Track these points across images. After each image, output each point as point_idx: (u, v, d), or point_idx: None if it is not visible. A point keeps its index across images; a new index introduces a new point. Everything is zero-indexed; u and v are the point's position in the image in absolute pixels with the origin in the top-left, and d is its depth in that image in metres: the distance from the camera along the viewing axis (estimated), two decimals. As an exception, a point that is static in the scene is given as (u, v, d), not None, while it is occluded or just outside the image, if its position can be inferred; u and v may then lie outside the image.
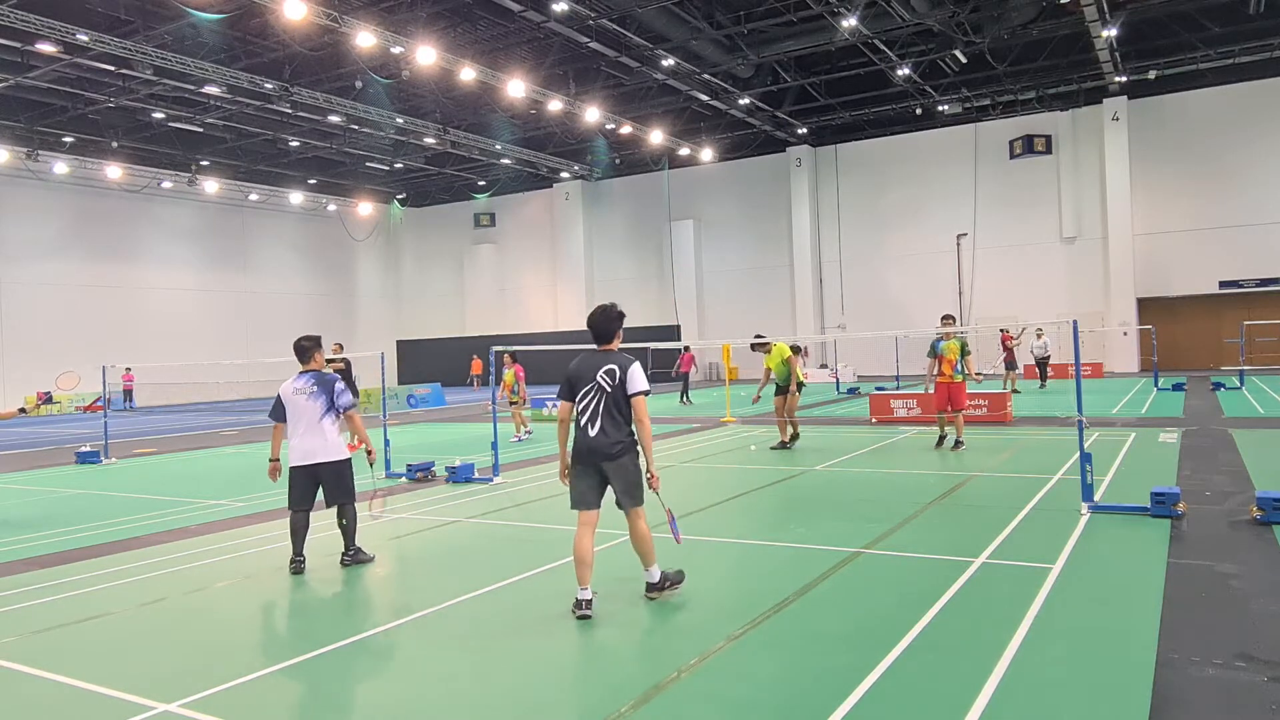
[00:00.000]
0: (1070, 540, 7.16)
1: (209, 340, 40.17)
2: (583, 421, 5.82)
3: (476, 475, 11.96)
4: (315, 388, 7.26)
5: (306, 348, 7.48)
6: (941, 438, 13.61)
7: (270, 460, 7.55)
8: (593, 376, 5.80)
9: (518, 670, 4.85)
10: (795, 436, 14.11)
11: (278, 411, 7.34)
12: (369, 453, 7.57)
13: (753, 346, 14.40)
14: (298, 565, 7.14)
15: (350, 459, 7.31)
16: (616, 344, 5.99)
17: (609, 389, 5.76)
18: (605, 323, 5.94)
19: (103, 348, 34.45)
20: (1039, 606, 5.49)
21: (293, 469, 7.21)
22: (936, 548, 7.13)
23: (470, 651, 5.18)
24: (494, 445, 12.15)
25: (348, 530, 7.30)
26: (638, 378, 5.78)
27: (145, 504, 11.04)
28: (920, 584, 6.10)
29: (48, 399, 34.87)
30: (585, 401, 5.81)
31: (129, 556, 8.02)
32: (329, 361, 16.39)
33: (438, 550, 7.90)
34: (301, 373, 7.37)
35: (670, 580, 6.06)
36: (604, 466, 5.76)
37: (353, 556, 7.29)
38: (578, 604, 5.67)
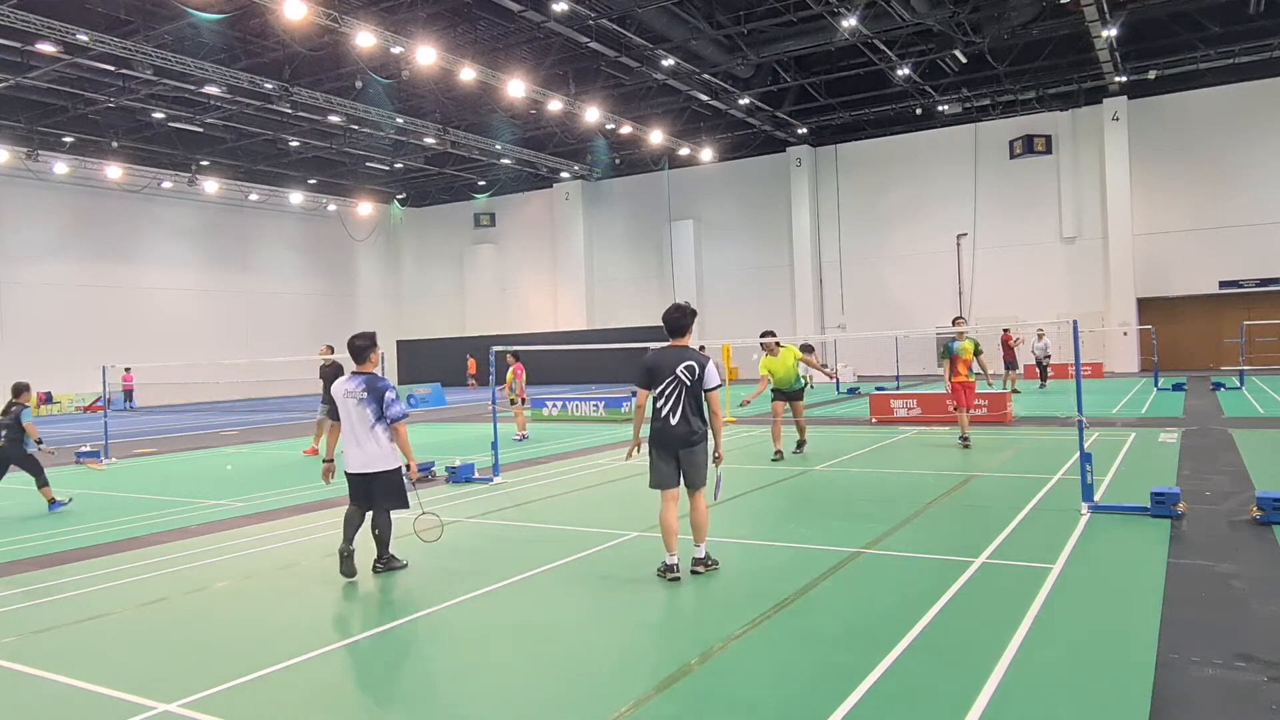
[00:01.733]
0: (1070, 540, 7.16)
1: (209, 340, 40.15)
2: (664, 412, 6.44)
3: (476, 475, 11.96)
4: (366, 393, 6.79)
5: (362, 347, 7.00)
6: (963, 437, 13.38)
7: (324, 460, 7.23)
8: (672, 370, 6.41)
9: (518, 670, 4.85)
10: (802, 443, 13.51)
11: (333, 411, 6.99)
12: (408, 468, 7.06)
13: (762, 335, 13.27)
14: (345, 557, 6.76)
15: (400, 468, 6.96)
16: (689, 339, 6.64)
17: (689, 383, 6.40)
18: (680, 318, 6.60)
19: (103, 348, 34.41)
20: (1039, 606, 5.49)
21: (347, 474, 6.90)
22: (936, 548, 7.13)
23: (471, 652, 5.18)
24: (494, 445, 12.16)
25: (380, 539, 6.95)
26: (714, 374, 6.49)
27: (145, 504, 11.04)
28: (920, 584, 6.10)
29: (48, 399, 34.93)
30: (666, 393, 6.43)
31: (129, 556, 8.02)
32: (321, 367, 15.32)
33: (437, 550, 7.90)
34: (354, 374, 6.96)
35: (713, 560, 6.67)
36: (680, 453, 6.44)
37: (385, 564, 6.99)
38: (667, 569, 6.46)
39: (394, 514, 7.05)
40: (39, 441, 10.64)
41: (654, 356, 6.50)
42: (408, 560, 7.12)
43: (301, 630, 5.59)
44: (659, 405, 6.44)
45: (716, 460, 6.58)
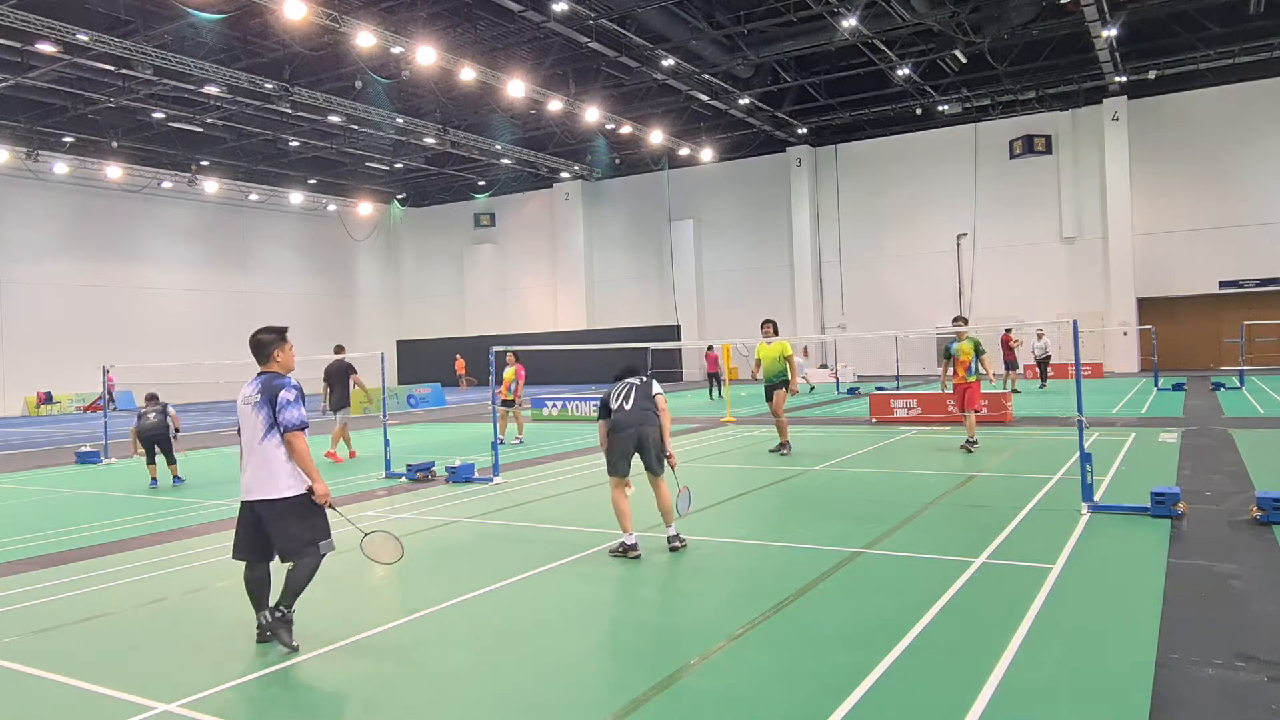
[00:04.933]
0: (1070, 540, 7.16)
1: (209, 340, 40.16)
2: (616, 405, 7.35)
3: (476, 475, 11.96)
4: (259, 395, 5.23)
5: (265, 342, 5.41)
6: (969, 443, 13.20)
7: None
8: (624, 381, 7.53)
9: (518, 670, 4.85)
10: (780, 446, 13.37)
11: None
12: (311, 491, 5.23)
13: (763, 323, 13.43)
14: (264, 627, 5.26)
15: (304, 495, 5.21)
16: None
17: (639, 384, 7.51)
18: (627, 367, 7.73)
19: (103, 348, 34.45)
20: (1039, 607, 5.49)
21: (240, 504, 5.33)
22: (936, 548, 7.13)
23: (470, 651, 5.18)
24: (494, 445, 12.16)
25: (291, 586, 5.21)
26: (657, 385, 7.68)
27: (145, 504, 11.04)
28: (920, 584, 6.10)
29: (48, 399, 34.93)
30: (621, 394, 7.41)
31: (129, 556, 8.02)
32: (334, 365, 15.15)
33: (438, 550, 7.90)
34: (256, 375, 5.44)
35: (683, 540, 7.42)
36: (640, 430, 7.24)
37: (278, 620, 5.18)
38: (626, 548, 7.12)
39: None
40: (177, 430, 12.87)
41: (608, 390, 7.57)
42: (299, 642, 5.22)
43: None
44: (615, 406, 7.36)
45: (670, 462, 7.35)
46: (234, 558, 5.32)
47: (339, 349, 15.75)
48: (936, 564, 6.65)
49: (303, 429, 5.24)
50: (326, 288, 47.41)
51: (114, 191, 37.33)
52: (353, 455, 15.17)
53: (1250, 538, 7.10)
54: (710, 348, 28.19)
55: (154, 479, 12.57)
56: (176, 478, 12.75)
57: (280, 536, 5.16)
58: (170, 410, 12.92)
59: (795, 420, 19.18)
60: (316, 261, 46.95)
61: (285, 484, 5.15)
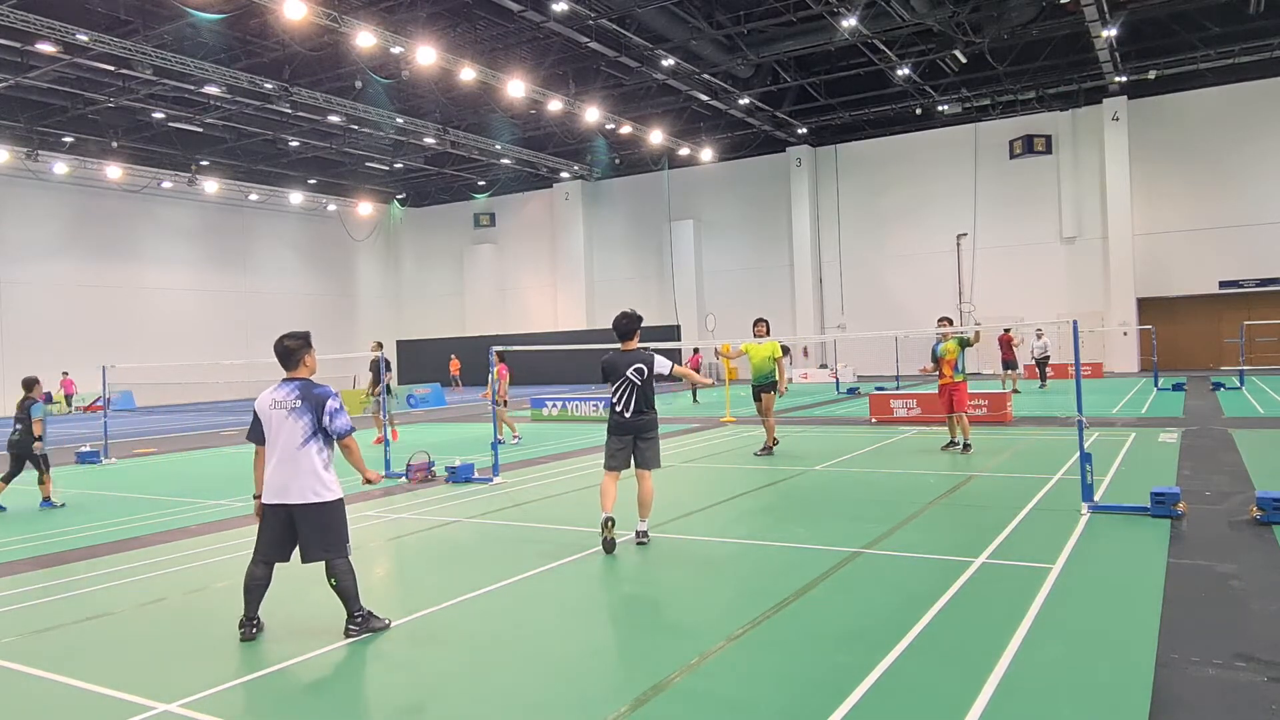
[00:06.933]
0: (1070, 540, 7.16)
1: (209, 340, 40.15)
2: (618, 407, 7.47)
3: (476, 475, 11.96)
4: (299, 402, 5.42)
5: (292, 348, 5.61)
6: (952, 442, 13.22)
7: (255, 497, 5.58)
8: (624, 372, 7.44)
9: (517, 670, 4.85)
10: (768, 447, 13.44)
11: (256, 431, 5.55)
12: (368, 481, 5.77)
13: (755, 322, 13.51)
14: (249, 630, 5.46)
15: (341, 500, 5.51)
16: (636, 341, 7.62)
17: (639, 383, 7.44)
18: (628, 324, 7.61)
19: (103, 348, 34.41)
20: (1039, 607, 5.49)
21: (264, 507, 5.48)
22: (936, 548, 7.13)
23: (470, 651, 5.18)
24: (494, 445, 12.17)
25: (344, 591, 5.45)
26: (662, 363, 7.53)
27: (145, 504, 11.04)
28: (920, 584, 6.10)
29: (48, 399, 34.93)
30: (620, 391, 7.45)
31: (129, 556, 8.02)
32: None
33: (438, 550, 7.90)
34: (283, 380, 5.57)
35: (648, 536, 7.59)
36: (638, 436, 7.44)
37: (362, 623, 5.47)
38: (606, 523, 7.23)
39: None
40: (38, 438, 10.71)
41: (610, 358, 7.54)
42: (389, 619, 5.65)
43: (301, 630, 5.59)
44: (614, 401, 7.47)
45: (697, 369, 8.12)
46: (261, 559, 5.48)
47: (377, 345, 16.45)
48: (936, 564, 6.65)
49: (353, 433, 5.58)
50: (326, 288, 47.41)
51: (114, 191, 37.31)
52: (378, 441, 15.57)
53: (1250, 538, 7.10)
54: (695, 350, 28.53)
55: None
56: (47, 500, 11.01)
57: (320, 538, 5.40)
58: (36, 414, 10.74)
59: (796, 420, 19.18)
60: (316, 261, 46.95)
61: (330, 490, 5.44)
